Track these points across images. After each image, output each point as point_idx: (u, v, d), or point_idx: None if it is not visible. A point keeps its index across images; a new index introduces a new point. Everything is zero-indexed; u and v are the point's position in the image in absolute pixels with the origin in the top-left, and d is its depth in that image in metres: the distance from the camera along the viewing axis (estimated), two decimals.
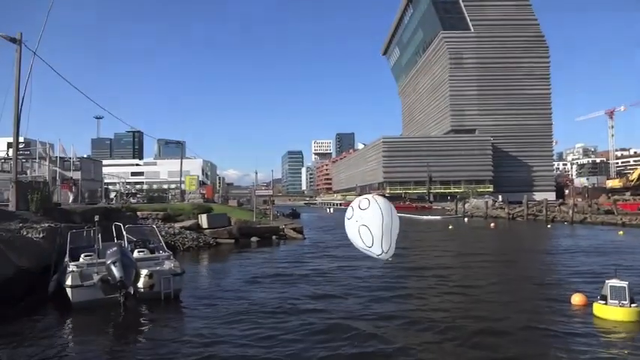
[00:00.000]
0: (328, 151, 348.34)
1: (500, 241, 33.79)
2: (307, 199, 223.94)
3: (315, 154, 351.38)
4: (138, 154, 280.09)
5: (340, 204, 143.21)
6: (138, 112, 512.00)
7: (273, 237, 30.69)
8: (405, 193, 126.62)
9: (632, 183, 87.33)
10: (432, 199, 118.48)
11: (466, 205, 71.75)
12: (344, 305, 12.25)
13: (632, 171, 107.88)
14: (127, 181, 68.75)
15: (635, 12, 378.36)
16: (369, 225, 7.50)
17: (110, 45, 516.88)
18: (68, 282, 11.69)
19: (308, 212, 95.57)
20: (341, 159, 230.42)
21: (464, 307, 12.10)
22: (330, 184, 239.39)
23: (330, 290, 14.19)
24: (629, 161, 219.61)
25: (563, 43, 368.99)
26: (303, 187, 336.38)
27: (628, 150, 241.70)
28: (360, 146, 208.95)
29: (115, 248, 12.03)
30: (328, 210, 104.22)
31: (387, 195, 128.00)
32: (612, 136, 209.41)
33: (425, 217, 63.47)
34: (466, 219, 59.98)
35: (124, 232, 14.87)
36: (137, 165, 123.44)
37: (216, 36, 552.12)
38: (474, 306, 12.24)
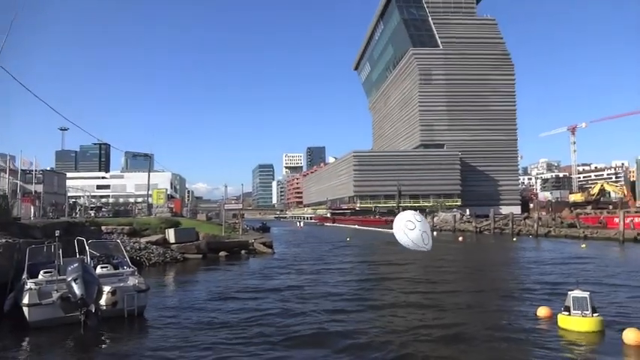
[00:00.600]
0: (299, 165, 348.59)
1: (468, 254, 34.28)
2: (278, 212, 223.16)
3: (286, 167, 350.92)
4: (104, 166, 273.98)
5: (311, 217, 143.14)
6: (105, 124, 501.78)
7: (242, 251, 30.30)
8: (375, 206, 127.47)
9: (593, 197, 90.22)
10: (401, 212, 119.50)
11: (435, 219, 72.71)
12: (312, 318, 12.13)
13: (593, 185, 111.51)
14: (93, 194, 67.03)
15: (591, 31, 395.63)
16: (427, 231, 11.69)
17: (75, 54, 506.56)
18: (25, 300, 11.19)
19: (278, 226, 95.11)
20: (312, 172, 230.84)
21: (431, 319, 12.18)
22: (300, 197, 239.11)
23: (298, 304, 14.05)
24: (590, 176, 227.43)
25: (527, 61, 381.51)
26: (274, 201, 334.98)
27: (589, 165, 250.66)
28: (331, 160, 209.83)
29: (76, 264, 11.58)
30: (298, 224, 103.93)
31: (357, 209, 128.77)
32: (574, 151, 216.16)
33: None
34: (435, 233, 60.55)
35: (87, 248, 14.39)
36: (103, 178, 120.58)
37: (185, 48, 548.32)
38: (442, 317, 12.33)
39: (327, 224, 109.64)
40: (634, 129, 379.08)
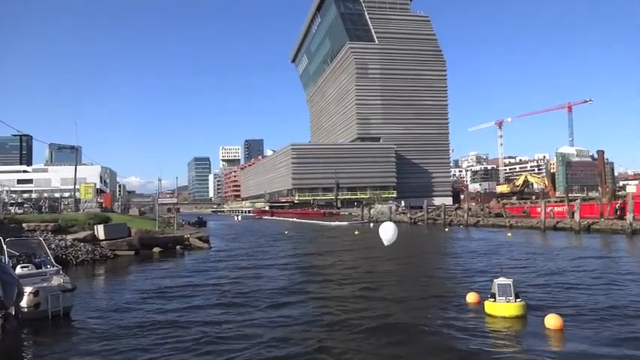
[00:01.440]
0: (237, 158, 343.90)
1: (403, 244, 35.26)
2: (215, 206, 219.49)
3: (223, 160, 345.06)
4: (26, 160, 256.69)
5: (249, 211, 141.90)
6: (28, 115, 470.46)
7: (177, 247, 29.47)
8: (314, 199, 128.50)
9: (518, 188, 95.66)
10: (339, 205, 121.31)
11: (371, 211, 74.23)
12: (248, 314, 12.01)
13: (517, 177, 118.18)
14: (13, 189, 62.69)
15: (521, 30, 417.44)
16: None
17: None
18: None
19: (215, 220, 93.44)
20: (250, 165, 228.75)
21: (362, 307, 12.47)
22: (238, 191, 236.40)
23: (234, 299, 13.87)
24: (515, 168, 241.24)
25: (457, 58, 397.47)
26: (211, 195, 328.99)
27: (515, 158, 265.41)
28: (269, 153, 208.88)
29: None
30: (236, 218, 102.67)
31: (295, 202, 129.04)
32: (501, 145, 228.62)
33: (333, 224, 64.72)
34: (372, 224, 61.92)
35: (4, 246, 13.40)
36: (25, 172, 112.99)
37: (117, 38, 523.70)
38: (373, 305, 12.65)
39: (266, 217, 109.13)
40: (555, 124, 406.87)
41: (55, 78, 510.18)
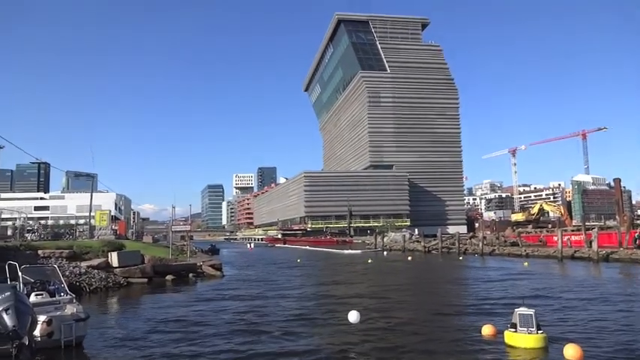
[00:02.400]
0: (250, 185, 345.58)
1: (417, 273, 34.78)
2: (228, 234, 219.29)
3: (237, 188, 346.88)
4: (43, 187, 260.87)
5: (262, 239, 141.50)
6: (45, 143, 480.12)
7: (190, 275, 29.36)
8: (327, 227, 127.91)
9: (534, 217, 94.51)
10: (352, 233, 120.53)
11: (385, 239, 73.59)
12: (261, 343, 11.81)
13: (533, 205, 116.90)
14: (30, 216, 63.44)
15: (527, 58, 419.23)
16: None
17: (14, 65, 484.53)
18: None
19: (228, 248, 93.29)
20: (263, 193, 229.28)
21: (378, 337, 12.17)
22: (251, 218, 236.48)
23: (248, 328, 13.69)
24: (530, 196, 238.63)
25: (470, 85, 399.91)
26: (224, 222, 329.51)
27: (529, 186, 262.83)
28: (282, 180, 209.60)
29: (7, 293, 10.72)
30: (248, 245, 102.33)
31: (308, 229, 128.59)
32: (515, 172, 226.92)
33: (346, 252, 64.17)
34: (385, 252, 61.37)
35: (20, 273, 13.42)
36: (42, 199, 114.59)
37: (135, 65, 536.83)
38: (388, 335, 12.35)
39: (278, 245, 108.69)
40: (569, 151, 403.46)
41: (71, 106, 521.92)
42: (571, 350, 9.54)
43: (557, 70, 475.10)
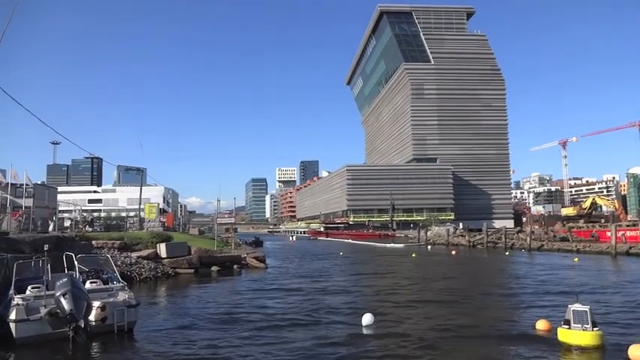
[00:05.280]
0: (292, 179, 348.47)
1: (462, 268, 34.08)
2: (271, 226, 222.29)
3: (280, 181, 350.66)
4: (96, 180, 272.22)
5: (304, 232, 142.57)
6: (98, 138, 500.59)
7: (235, 266, 29.92)
8: (369, 221, 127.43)
9: (585, 211, 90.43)
10: (395, 227, 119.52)
11: (428, 233, 72.56)
12: (305, 332, 11.87)
13: (584, 199, 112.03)
14: (84, 208, 66.22)
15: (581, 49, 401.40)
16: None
17: (69, 69, 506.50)
18: (12, 316, 10.85)
19: (271, 240, 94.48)
20: (305, 187, 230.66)
21: (426, 335, 11.90)
22: (294, 211, 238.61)
23: (294, 319, 13.78)
24: (581, 190, 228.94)
25: (518, 75, 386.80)
26: (267, 215, 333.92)
27: (581, 179, 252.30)
28: (325, 174, 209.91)
29: (65, 279, 11.28)
30: (291, 238, 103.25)
31: (350, 223, 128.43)
32: (566, 165, 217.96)
33: (388, 245, 63.69)
34: (429, 247, 60.48)
35: (76, 263, 14.06)
36: (95, 192, 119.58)
37: (180, 61, 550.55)
38: (439, 332, 12.06)
39: (321, 238, 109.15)
40: (624, 143, 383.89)
41: (123, 105, 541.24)
42: (637, 352, 8.94)
43: (612, 59, 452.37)
